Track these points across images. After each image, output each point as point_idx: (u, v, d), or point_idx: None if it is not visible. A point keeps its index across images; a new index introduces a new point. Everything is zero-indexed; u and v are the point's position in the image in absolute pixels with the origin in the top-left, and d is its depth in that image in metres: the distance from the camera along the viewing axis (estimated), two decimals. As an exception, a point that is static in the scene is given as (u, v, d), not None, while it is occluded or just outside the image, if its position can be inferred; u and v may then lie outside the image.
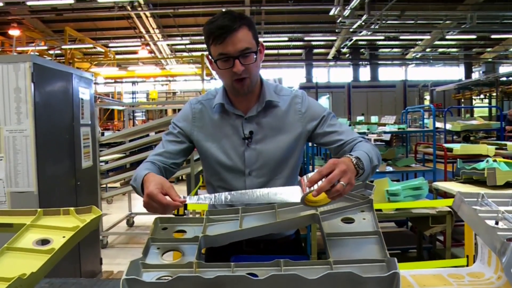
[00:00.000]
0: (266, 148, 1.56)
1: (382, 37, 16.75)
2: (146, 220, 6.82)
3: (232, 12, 1.46)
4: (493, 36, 16.45)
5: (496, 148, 5.61)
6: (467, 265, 2.93)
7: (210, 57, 1.50)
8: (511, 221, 1.32)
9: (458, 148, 5.43)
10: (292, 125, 1.58)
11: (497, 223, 1.35)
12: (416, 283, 1.41)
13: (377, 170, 5.29)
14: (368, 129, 5.68)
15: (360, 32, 14.31)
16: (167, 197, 1.25)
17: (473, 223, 1.36)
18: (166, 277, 1.06)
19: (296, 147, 1.61)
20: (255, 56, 1.46)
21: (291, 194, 1.26)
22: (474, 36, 16.60)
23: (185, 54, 18.50)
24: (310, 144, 4.43)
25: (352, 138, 1.55)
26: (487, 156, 4.98)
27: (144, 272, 1.09)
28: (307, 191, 1.17)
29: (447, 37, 15.29)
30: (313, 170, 5.14)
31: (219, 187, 1.62)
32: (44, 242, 1.24)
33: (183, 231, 1.32)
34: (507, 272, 1.14)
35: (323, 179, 1.16)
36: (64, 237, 1.25)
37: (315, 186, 1.16)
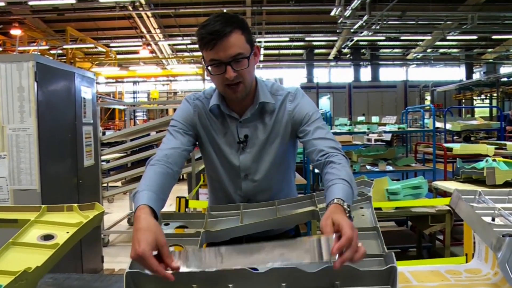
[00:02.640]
0: (261, 152, 1.54)
1: (383, 38, 16.74)
2: (147, 219, 6.83)
3: (225, 14, 1.40)
4: (494, 37, 16.44)
5: (496, 148, 5.62)
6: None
7: (203, 61, 1.46)
8: (507, 218, 1.34)
9: (457, 147, 5.44)
10: (285, 126, 1.54)
11: (493, 219, 1.37)
12: (414, 279, 1.43)
13: (377, 170, 5.23)
14: (368, 129, 5.70)
15: (361, 32, 14.30)
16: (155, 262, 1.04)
17: (470, 219, 1.38)
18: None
19: (289, 148, 1.59)
20: (247, 61, 1.40)
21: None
22: (475, 37, 16.59)
23: (186, 54, 18.50)
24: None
25: (325, 152, 1.40)
26: (487, 155, 4.99)
27: (147, 266, 1.11)
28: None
29: (448, 37, 15.28)
30: (313, 169, 5.08)
31: (217, 187, 1.63)
32: (48, 237, 1.26)
33: (185, 227, 1.34)
34: (502, 267, 1.16)
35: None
36: (68, 232, 1.27)
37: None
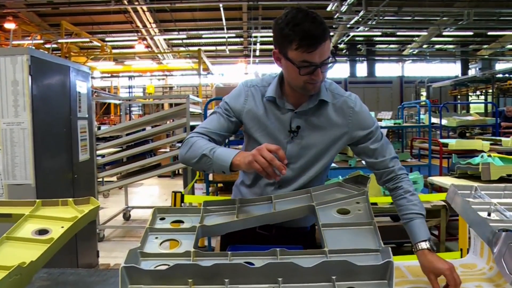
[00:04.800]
0: (307, 144, 1.59)
1: (379, 33, 16.72)
2: (143, 213, 6.83)
3: (314, 15, 1.42)
4: (489, 33, 16.43)
5: (491, 144, 5.65)
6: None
7: (283, 56, 1.47)
8: (503, 213, 1.35)
9: (453, 143, 5.46)
10: (338, 127, 1.59)
11: (489, 214, 1.37)
12: (410, 273, 1.44)
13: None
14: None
15: (357, 28, 14.27)
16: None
17: (466, 214, 1.38)
18: (164, 266, 1.07)
19: (333, 147, 1.62)
20: (330, 64, 1.47)
21: None
22: (470, 33, 16.59)
23: (182, 48, 18.42)
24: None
25: (390, 168, 1.57)
26: (482, 151, 5.01)
27: (142, 261, 1.11)
28: None
29: (444, 33, 15.29)
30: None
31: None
32: (43, 232, 1.25)
33: (181, 221, 1.33)
34: (498, 262, 1.16)
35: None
36: (62, 227, 1.26)
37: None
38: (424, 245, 1.35)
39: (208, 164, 1.46)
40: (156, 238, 1.23)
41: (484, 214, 1.35)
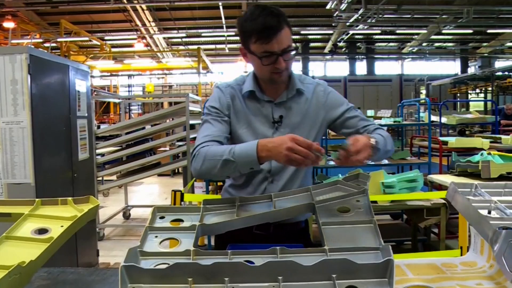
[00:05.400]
0: (292, 131, 1.60)
1: (379, 31, 16.72)
2: (142, 212, 6.84)
3: (271, 9, 1.52)
4: (489, 31, 16.43)
5: (491, 142, 5.64)
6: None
7: (247, 50, 1.58)
8: (503, 211, 1.34)
9: (453, 141, 5.46)
10: (316, 112, 1.70)
11: (489, 212, 1.37)
12: (410, 271, 1.43)
13: (373, 163, 5.25)
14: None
15: (357, 26, 14.26)
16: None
17: (466, 212, 1.38)
18: (164, 264, 1.07)
19: (317, 130, 1.71)
20: (293, 53, 1.56)
21: None
22: (470, 31, 16.60)
23: (181, 47, 18.41)
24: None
25: (370, 124, 1.70)
26: (482, 149, 5.01)
27: (142, 260, 1.11)
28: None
29: (444, 31, 15.28)
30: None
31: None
32: (43, 231, 1.25)
33: (180, 220, 1.33)
34: (498, 260, 1.16)
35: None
36: (62, 226, 1.26)
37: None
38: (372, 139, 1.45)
39: (232, 167, 1.45)
40: (156, 237, 1.22)
41: (484, 212, 1.35)
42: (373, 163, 5.21)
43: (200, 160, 1.51)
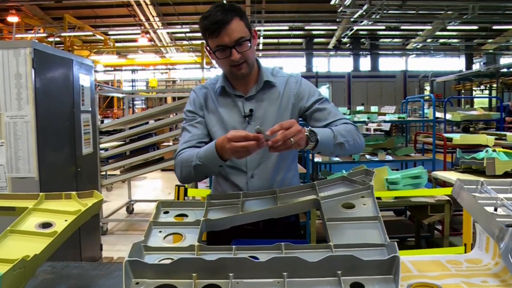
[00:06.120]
0: (265, 125, 1.62)
1: (383, 27, 16.65)
2: (146, 207, 6.85)
3: (223, 4, 1.56)
4: (494, 27, 16.33)
5: (496, 138, 5.62)
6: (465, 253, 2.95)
7: (208, 48, 1.63)
8: (509, 208, 1.33)
9: (457, 138, 5.43)
10: (288, 104, 1.71)
11: (496, 209, 1.36)
12: (415, 268, 1.43)
13: (377, 159, 5.21)
14: (368, 118, 5.67)
15: (361, 21, 14.19)
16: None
17: (472, 209, 1.37)
18: (168, 260, 1.07)
19: (289, 119, 1.68)
20: (249, 44, 1.59)
21: None
22: (475, 27, 16.51)
23: (185, 42, 18.39)
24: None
25: (338, 119, 1.68)
26: (487, 146, 4.98)
27: (146, 255, 1.10)
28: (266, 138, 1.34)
29: (448, 27, 15.20)
30: (312, 158, 5.08)
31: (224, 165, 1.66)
32: (47, 225, 1.25)
33: (185, 215, 1.33)
34: (504, 257, 1.15)
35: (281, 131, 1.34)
36: (66, 220, 1.26)
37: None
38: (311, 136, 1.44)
39: (205, 169, 1.54)
40: (160, 232, 1.22)
41: (490, 209, 1.34)
42: (376, 159, 5.20)
43: (179, 168, 1.62)
